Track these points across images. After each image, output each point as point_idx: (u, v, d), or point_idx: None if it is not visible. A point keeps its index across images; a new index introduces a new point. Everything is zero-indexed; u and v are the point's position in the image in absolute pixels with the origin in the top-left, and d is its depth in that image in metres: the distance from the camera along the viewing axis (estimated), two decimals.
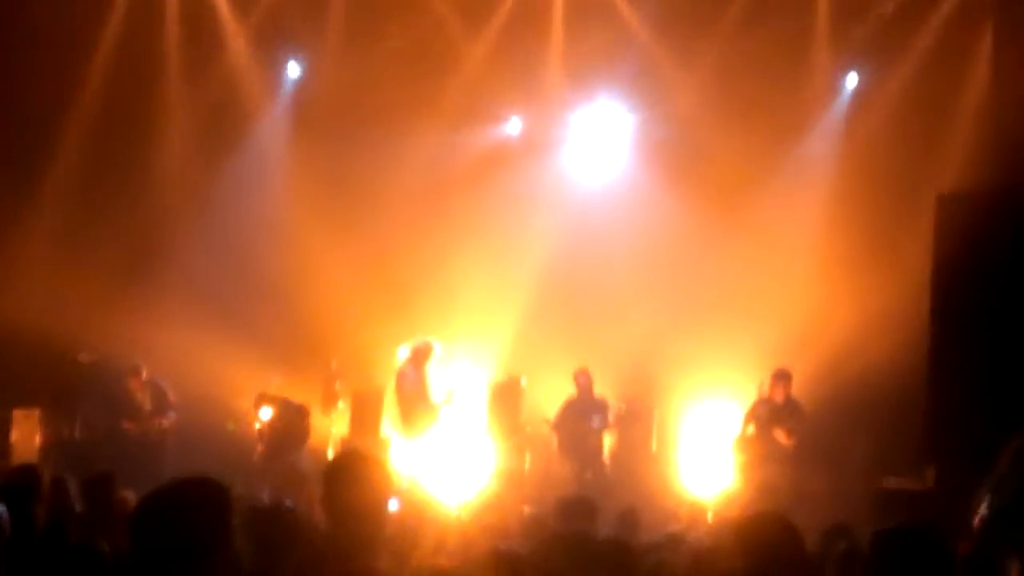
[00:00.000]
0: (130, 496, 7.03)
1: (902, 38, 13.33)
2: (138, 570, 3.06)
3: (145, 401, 12.66)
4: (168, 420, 12.67)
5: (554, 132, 14.69)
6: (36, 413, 12.61)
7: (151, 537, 3.04)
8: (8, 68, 13.05)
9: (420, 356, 12.24)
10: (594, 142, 14.75)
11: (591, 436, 12.78)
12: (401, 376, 12.26)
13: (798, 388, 12.31)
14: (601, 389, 13.07)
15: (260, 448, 12.61)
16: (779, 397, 12.09)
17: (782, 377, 12.06)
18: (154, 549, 3.01)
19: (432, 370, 12.36)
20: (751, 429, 12.23)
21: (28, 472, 6.23)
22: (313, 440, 12.86)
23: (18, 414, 12.53)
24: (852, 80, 13.87)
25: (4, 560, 4.19)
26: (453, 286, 14.06)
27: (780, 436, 11.99)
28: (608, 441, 13.17)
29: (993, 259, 10.64)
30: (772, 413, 12.11)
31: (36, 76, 13.26)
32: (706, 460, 13.15)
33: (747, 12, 13.36)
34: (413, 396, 12.20)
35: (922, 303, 11.14)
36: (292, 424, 12.69)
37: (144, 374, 12.65)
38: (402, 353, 12.31)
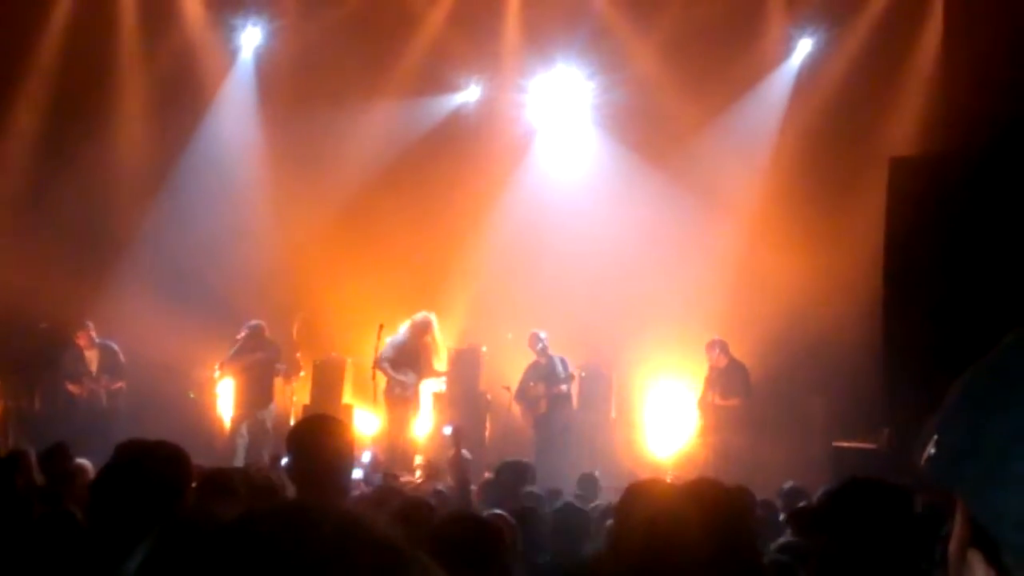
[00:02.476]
0: (88, 465, 7.04)
1: (854, 2, 13.43)
2: (101, 534, 3.09)
3: (92, 361, 12.57)
4: (117, 384, 12.58)
5: (512, 98, 14.67)
6: None
7: (111, 501, 3.07)
8: None
9: (420, 328, 12.35)
10: (551, 108, 14.75)
11: (541, 402, 12.79)
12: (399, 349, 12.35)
13: (754, 352, 12.46)
14: (560, 352, 13.07)
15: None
16: (720, 363, 12.35)
17: (712, 346, 12.39)
18: (114, 512, 3.04)
19: (433, 341, 12.46)
20: (709, 394, 12.43)
21: None
22: (278, 401, 12.88)
23: None
24: (805, 44, 13.96)
25: None
26: (414, 253, 14.05)
27: (714, 398, 12.22)
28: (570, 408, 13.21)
29: (945, 222, 10.75)
30: (714, 378, 12.34)
31: None
32: (665, 425, 13.29)
33: None
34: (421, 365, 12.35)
35: (876, 265, 11.24)
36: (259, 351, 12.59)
37: (92, 332, 12.54)
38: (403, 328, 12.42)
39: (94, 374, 12.57)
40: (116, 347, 12.65)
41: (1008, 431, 0.92)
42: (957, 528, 0.97)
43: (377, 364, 12.37)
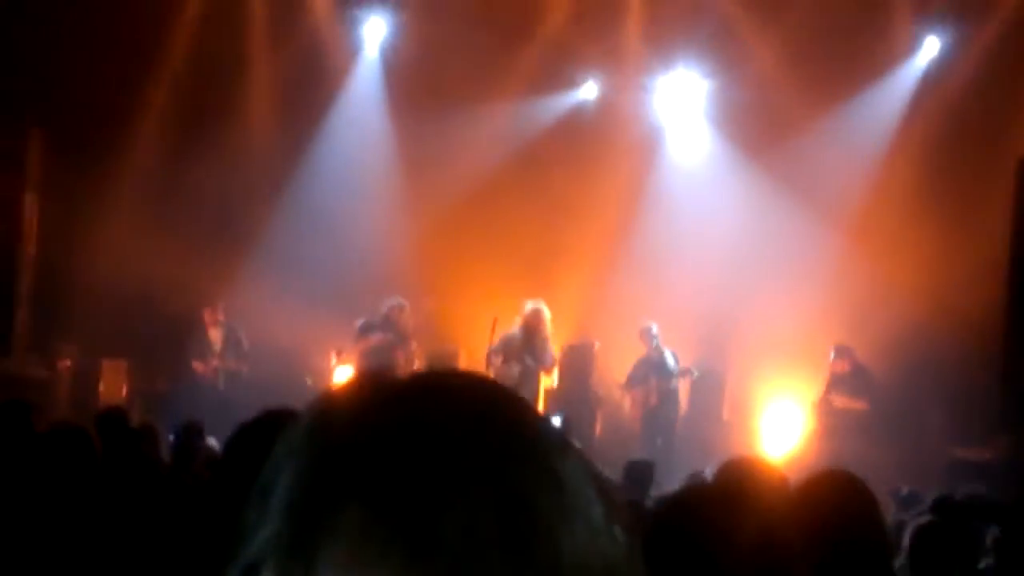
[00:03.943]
0: (213, 444, 7.26)
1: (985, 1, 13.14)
2: (227, 502, 3.21)
3: (216, 341, 12.83)
4: (240, 364, 12.78)
5: (632, 96, 14.66)
6: (124, 364, 12.99)
7: (241, 470, 3.18)
8: (94, 30, 13.31)
9: (532, 320, 12.29)
10: (671, 106, 14.70)
11: (651, 395, 12.74)
12: (508, 342, 12.30)
13: (872, 355, 12.29)
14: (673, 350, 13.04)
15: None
16: (843, 368, 12.25)
17: (837, 351, 12.32)
18: (244, 482, 3.15)
19: (544, 335, 12.42)
20: (828, 398, 12.34)
21: (115, 409, 6.50)
22: None
23: (106, 365, 12.92)
24: (932, 42, 13.66)
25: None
26: (531, 248, 14.10)
27: (839, 401, 12.10)
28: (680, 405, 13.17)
29: None
30: (836, 381, 12.22)
31: (122, 37, 13.50)
32: (777, 427, 13.17)
33: None
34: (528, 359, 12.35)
35: (1000, 269, 11.00)
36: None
37: (219, 311, 12.77)
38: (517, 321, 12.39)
39: (217, 353, 12.84)
40: (240, 331, 12.93)
41: None
42: None
43: (487, 357, 12.41)
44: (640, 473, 7.63)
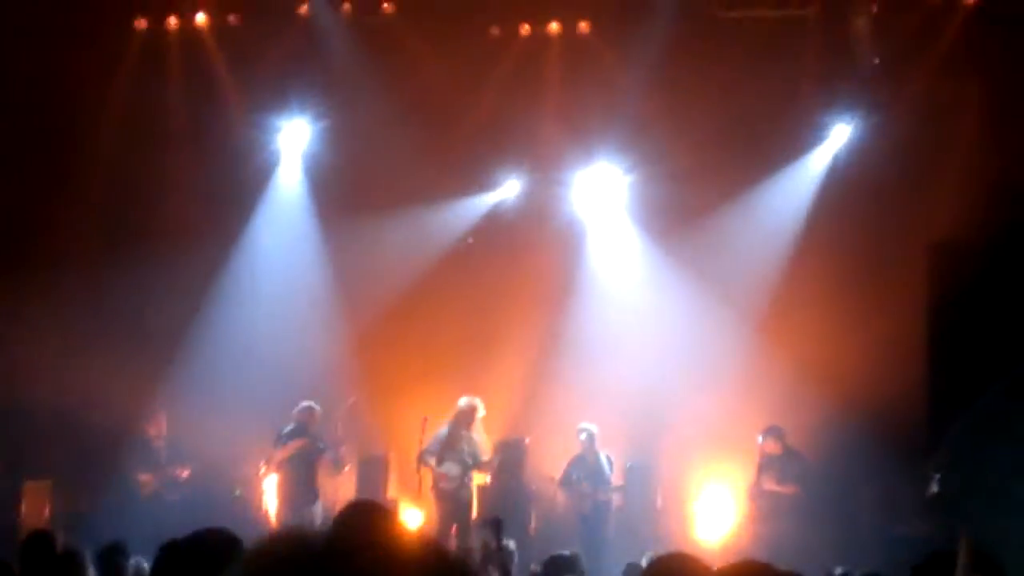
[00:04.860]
0: (142, 562, 7.09)
1: (890, 89, 13.55)
2: None
3: (162, 451, 12.66)
4: (185, 472, 12.63)
5: (553, 193, 14.79)
6: (47, 484, 12.66)
7: None
8: (8, 142, 13.21)
9: (466, 416, 12.36)
10: (593, 201, 14.84)
11: (586, 499, 12.78)
12: (453, 438, 12.34)
13: (800, 439, 12.42)
14: (605, 445, 13.07)
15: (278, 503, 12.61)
16: (774, 450, 12.38)
17: (767, 433, 12.47)
18: None
19: (477, 430, 12.49)
20: (761, 481, 12.42)
21: (41, 533, 6.33)
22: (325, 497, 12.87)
23: (29, 485, 12.59)
24: (842, 130, 14.01)
25: None
26: (457, 349, 14.10)
27: (769, 485, 12.17)
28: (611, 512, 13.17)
29: (986, 305, 10.74)
30: (767, 465, 12.31)
31: (38, 150, 13.43)
32: (712, 514, 13.20)
33: (737, 70, 13.54)
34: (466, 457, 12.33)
35: (918, 350, 11.22)
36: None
37: (163, 422, 12.65)
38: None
39: (163, 464, 12.65)
40: (180, 442, 12.77)
41: (1007, 466, 1.00)
42: (962, 556, 1.05)
43: (420, 458, 12.36)
44: (558, 569, 7.53)
